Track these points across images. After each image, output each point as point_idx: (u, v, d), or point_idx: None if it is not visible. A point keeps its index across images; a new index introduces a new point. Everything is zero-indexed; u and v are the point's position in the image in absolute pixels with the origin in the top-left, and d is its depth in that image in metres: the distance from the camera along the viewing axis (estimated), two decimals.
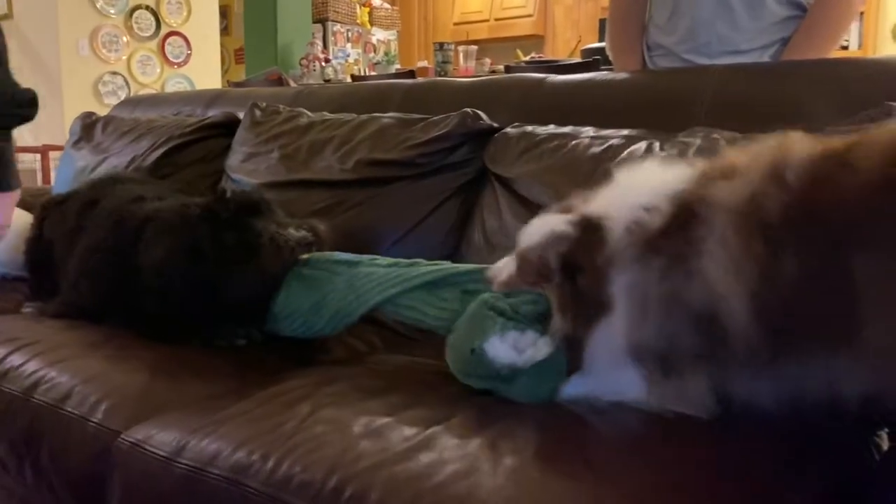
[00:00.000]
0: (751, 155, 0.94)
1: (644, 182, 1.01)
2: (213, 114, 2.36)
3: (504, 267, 1.11)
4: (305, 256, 1.39)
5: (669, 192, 0.96)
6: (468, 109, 1.71)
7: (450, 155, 1.69)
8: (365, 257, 1.36)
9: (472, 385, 1.08)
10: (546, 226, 1.05)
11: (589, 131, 1.54)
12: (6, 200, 1.43)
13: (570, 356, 1.03)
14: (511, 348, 1.03)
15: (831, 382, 0.89)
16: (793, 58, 1.65)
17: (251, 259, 1.34)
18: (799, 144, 0.91)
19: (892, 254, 0.81)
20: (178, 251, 1.36)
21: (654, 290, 0.93)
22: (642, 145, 1.42)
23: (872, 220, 0.83)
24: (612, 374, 1.01)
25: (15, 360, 1.31)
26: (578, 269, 0.99)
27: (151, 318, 1.39)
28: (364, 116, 1.90)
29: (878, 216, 0.82)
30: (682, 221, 0.92)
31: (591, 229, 0.99)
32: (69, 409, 1.17)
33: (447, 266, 1.28)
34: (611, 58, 1.96)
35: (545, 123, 1.63)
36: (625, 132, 1.49)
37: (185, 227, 1.38)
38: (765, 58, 1.70)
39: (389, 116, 1.86)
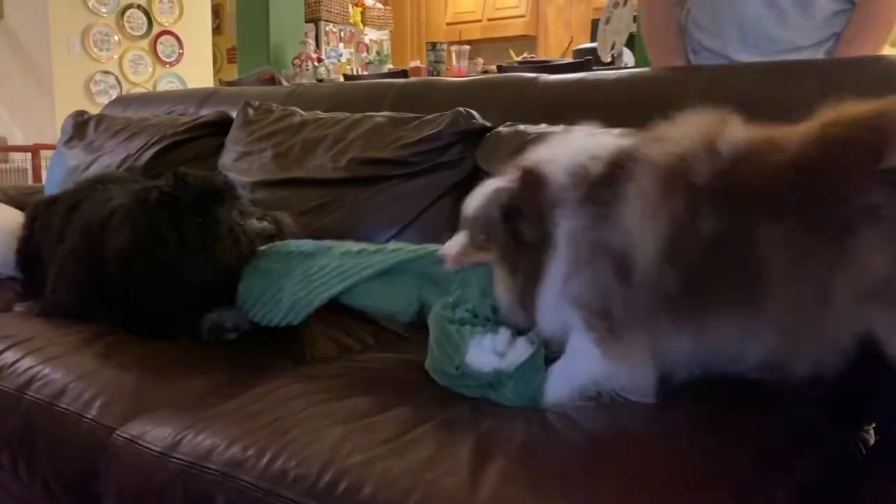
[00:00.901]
0: (691, 124, 0.99)
1: (589, 137, 1.08)
2: (206, 113, 2.36)
3: (454, 243, 1.13)
4: (264, 248, 1.38)
5: (613, 146, 1.01)
6: (461, 109, 1.72)
7: (442, 154, 1.70)
8: (322, 245, 1.36)
9: (463, 392, 1.08)
10: (487, 186, 1.08)
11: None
12: None
13: (517, 316, 1.05)
14: (491, 353, 1.04)
15: (740, 345, 0.95)
16: (847, 54, 1.63)
17: (208, 248, 1.32)
18: (738, 124, 0.97)
19: (797, 227, 0.88)
20: (138, 235, 1.35)
21: (583, 236, 0.97)
22: None
23: (784, 194, 0.89)
24: (573, 348, 1.03)
25: (8, 357, 1.32)
26: (520, 214, 1.01)
27: (125, 312, 1.38)
28: (357, 115, 1.90)
29: (788, 190, 0.89)
30: (614, 173, 0.97)
31: (531, 175, 1.03)
32: (63, 406, 1.17)
33: (398, 251, 1.28)
34: (650, 60, 1.95)
35: (537, 123, 1.64)
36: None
37: (144, 211, 1.36)
38: (819, 54, 1.67)
39: (382, 115, 1.87)
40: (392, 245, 1.34)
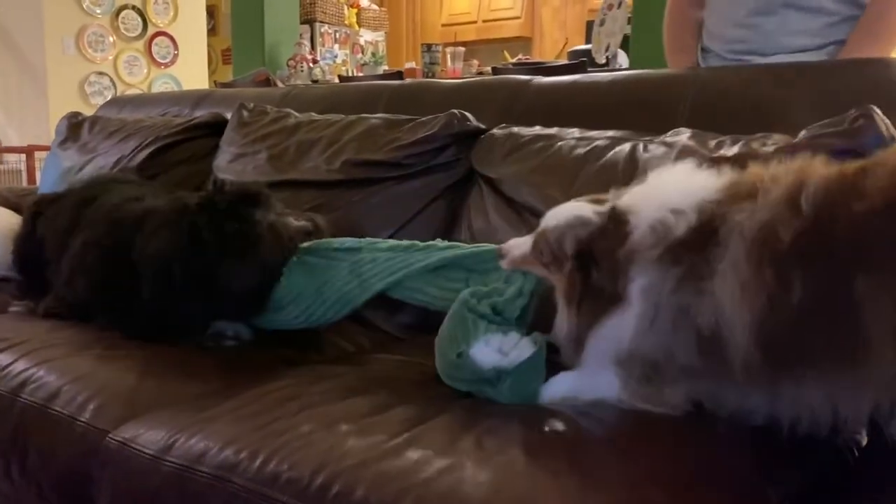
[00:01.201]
0: (773, 177, 0.93)
1: (674, 185, 1.00)
2: (201, 114, 2.36)
3: (518, 244, 1.10)
4: (306, 245, 1.39)
5: (697, 200, 0.95)
6: (455, 111, 1.72)
7: (437, 156, 1.70)
8: (364, 242, 1.37)
9: (458, 388, 1.09)
10: (573, 210, 1.04)
11: (574, 132, 1.55)
12: None
13: (568, 352, 1.04)
14: (496, 352, 1.05)
15: (834, 403, 0.89)
16: (848, 56, 1.62)
17: (251, 248, 1.33)
18: (816, 170, 0.91)
19: (893, 278, 0.82)
20: (178, 241, 1.35)
21: (666, 298, 0.93)
22: (626, 146, 1.43)
23: (876, 243, 0.83)
24: (595, 373, 1.02)
25: (2, 359, 1.32)
26: (594, 259, 0.98)
27: (146, 315, 1.38)
28: (352, 117, 1.90)
29: (880, 238, 0.83)
30: (703, 236, 0.92)
31: (615, 220, 0.99)
32: (57, 409, 1.17)
33: (448, 249, 1.29)
34: (666, 55, 1.98)
35: (531, 125, 1.64)
36: (610, 133, 1.51)
37: (183, 217, 1.37)
38: (821, 58, 1.67)
39: (377, 117, 1.87)
40: (442, 243, 1.34)
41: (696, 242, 0.92)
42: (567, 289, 1.01)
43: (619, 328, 0.96)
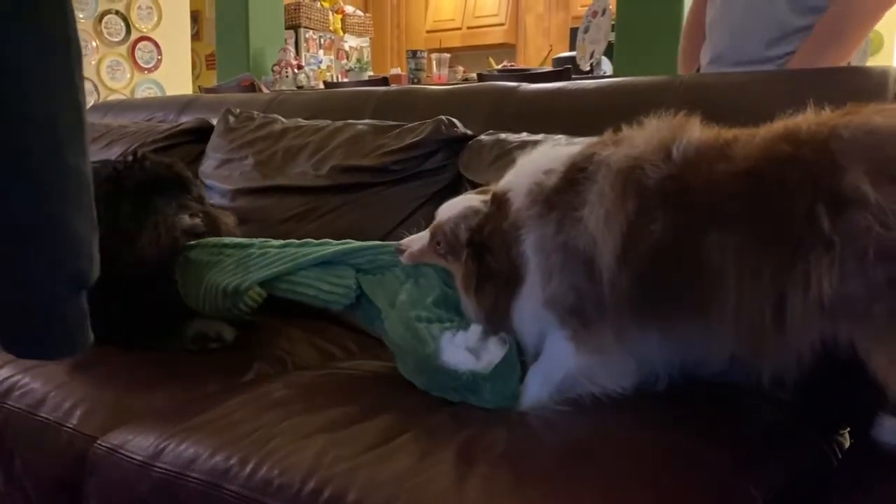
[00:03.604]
0: (647, 129, 1.02)
1: (544, 154, 1.10)
2: (186, 120, 2.36)
3: (416, 240, 1.16)
4: (193, 243, 1.36)
5: (566, 158, 1.05)
6: (443, 117, 1.73)
7: (424, 162, 1.71)
8: (258, 240, 1.35)
9: (444, 396, 1.09)
10: (463, 202, 1.13)
11: (561, 139, 1.56)
12: None
13: (494, 328, 1.07)
14: (465, 351, 1.05)
15: (704, 345, 0.98)
16: (799, 65, 1.66)
17: (133, 238, 1.32)
18: (694, 129, 1.00)
19: (746, 238, 0.89)
20: None
21: (552, 242, 1.00)
22: None
23: (728, 202, 0.91)
24: (547, 350, 1.05)
25: None
26: (486, 244, 1.05)
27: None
28: (339, 123, 1.91)
29: (733, 199, 0.90)
30: (572, 177, 1.01)
31: (497, 202, 1.07)
32: (43, 415, 1.16)
33: (339, 245, 1.28)
34: (679, 65, 2.07)
35: (518, 131, 1.65)
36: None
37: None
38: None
39: (364, 123, 1.87)
40: (336, 241, 1.32)
41: (567, 183, 1.01)
42: (464, 276, 1.08)
43: (532, 286, 1.02)
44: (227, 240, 1.37)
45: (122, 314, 1.36)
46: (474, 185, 1.62)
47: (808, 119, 0.92)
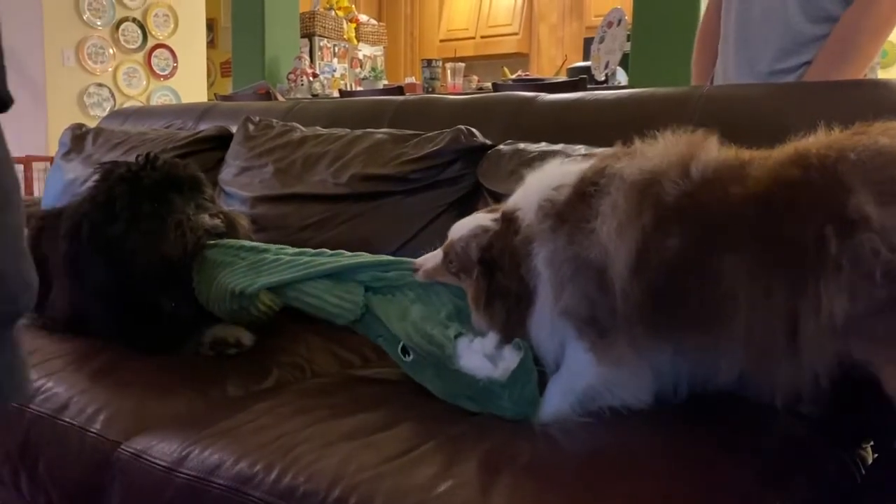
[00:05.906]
0: (661, 144, 1.02)
1: (553, 171, 1.11)
2: (205, 127, 2.37)
3: (430, 258, 1.18)
4: (212, 242, 1.37)
5: (575, 173, 1.05)
6: (461, 126, 1.73)
7: (443, 171, 1.72)
8: (274, 246, 1.36)
9: (466, 407, 1.09)
10: (474, 221, 1.14)
11: (580, 149, 1.56)
12: None
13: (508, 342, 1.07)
14: (482, 356, 1.05)
15: (716, 360, 0.98)
16: (815, 78, 1.65)
17: (156, 236, 1.33)
18: (712, 147, 1.00)
19: (757, 260, 0.90)
20: (93, 201, 1.37)
21: (563, 254, 1.01)
22: None
23: (742, 227, 0.91)
24: (566, 362, 1.05)
25: None
26: (496, 262, 1.06)
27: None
28: (358, 132, 1.91)
29: (746, 224, 0.91)
30: (583, 191, 1.02)
31: (507, 220, 1.08)
32: (67, 420, 1.17)
33: (352, 258, 1.28)
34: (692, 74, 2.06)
35: (537, 141, 1.65)
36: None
37: (104, 180, 1.39)
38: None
39: (383, 132, 1.88)
40: (350, 254, 1.32)
41: (578, 197, 1.02)
42: (475, 293, 1.09)
43: (545, 300, 1.03)
44: (244, 243, 1.37)
45: (141, 313, 1.38)
46: (493, 195, 1.63)
47: (817, 142, 0.92)
